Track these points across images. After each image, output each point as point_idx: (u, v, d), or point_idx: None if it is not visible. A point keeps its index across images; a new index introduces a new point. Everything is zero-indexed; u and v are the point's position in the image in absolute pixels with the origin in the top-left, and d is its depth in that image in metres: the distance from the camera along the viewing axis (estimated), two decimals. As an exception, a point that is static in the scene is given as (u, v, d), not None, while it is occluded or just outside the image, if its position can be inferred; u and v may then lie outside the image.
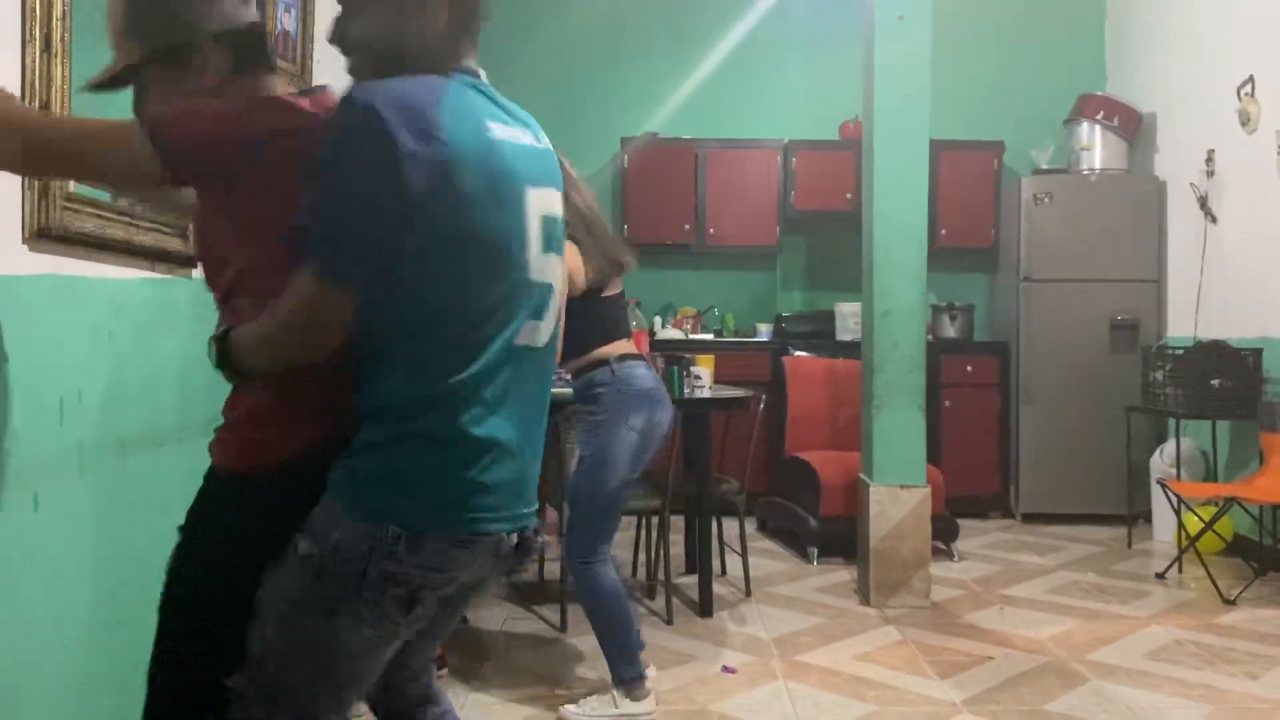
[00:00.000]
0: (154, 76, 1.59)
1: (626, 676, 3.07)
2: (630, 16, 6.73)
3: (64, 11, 2.07)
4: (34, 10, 2.00)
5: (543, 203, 1.56)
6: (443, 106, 1.42)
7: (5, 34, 1.97)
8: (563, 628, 3.86)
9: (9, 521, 1.94)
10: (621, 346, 3.15)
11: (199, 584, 1.51)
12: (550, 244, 1.58)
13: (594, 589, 3.06)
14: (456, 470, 1.44)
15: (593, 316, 3.09)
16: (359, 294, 1.41)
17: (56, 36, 2.05)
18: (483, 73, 1.59)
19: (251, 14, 1.63)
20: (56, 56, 2.05)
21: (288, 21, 3.57)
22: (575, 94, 6.69)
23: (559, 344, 1.71)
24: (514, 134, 1.53)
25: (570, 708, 3.09)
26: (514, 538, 1.53)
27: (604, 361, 3.10)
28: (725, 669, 3.48)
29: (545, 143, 1.63)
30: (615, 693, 3.08)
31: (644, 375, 3.14)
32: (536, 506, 1.58)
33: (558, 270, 1.61)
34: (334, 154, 1.39)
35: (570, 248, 2.97)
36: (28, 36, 2.00)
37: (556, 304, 1.61)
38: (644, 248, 6.32)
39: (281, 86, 1.64)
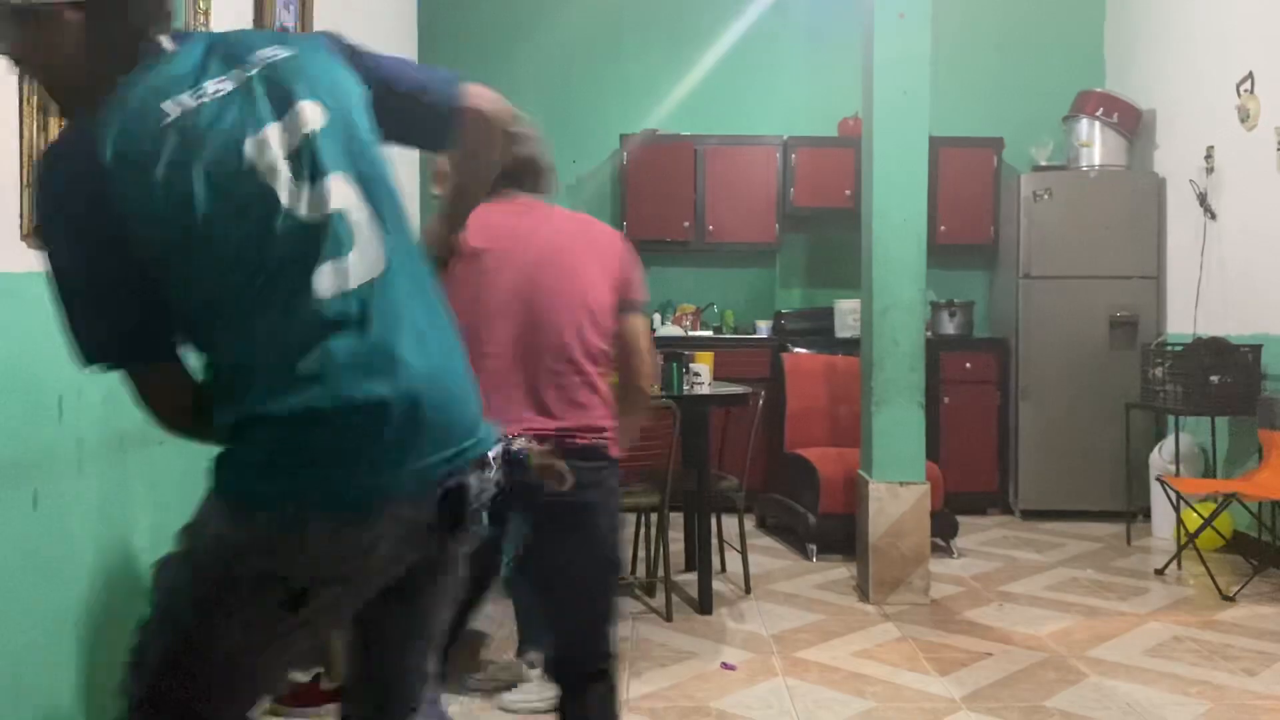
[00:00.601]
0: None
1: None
2: (630, 13, 6.73)
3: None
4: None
5: (283, 134, 1.35)
6: (103, 139, 1.28)
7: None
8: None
9: (8, 518, 1.94)
10: None
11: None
12: (316, 168, 1.35)
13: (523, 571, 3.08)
14: (311, 447, 1.29)
15: None
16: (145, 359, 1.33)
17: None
18: (173, 33, 1.38)
19: None
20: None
21: (286, 18, 3.56)
22: (575, 91, 6.69)
23: (416, 250, 1.48)
24: (206, 91, 1.33)
25: (508, 695, 3.14)
26: (433, 495, 1.34)
27: None
28: (725, 666, 3.48)
29: (274, 55, 1.40)
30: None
31: None
32: (457, 449, 1.37)
33: (342, 190, 1.36)
34: (44, 233, 1.32)
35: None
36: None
37: (364, 228, 1.37)
38: (643, 244, 6.31)
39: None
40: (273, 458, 1.31)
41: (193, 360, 1.37)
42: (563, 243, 2.10)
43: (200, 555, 1.34)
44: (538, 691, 3.09)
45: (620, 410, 2.12)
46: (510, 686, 3.19)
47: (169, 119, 1.30)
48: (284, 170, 1.33)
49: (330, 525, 1.30)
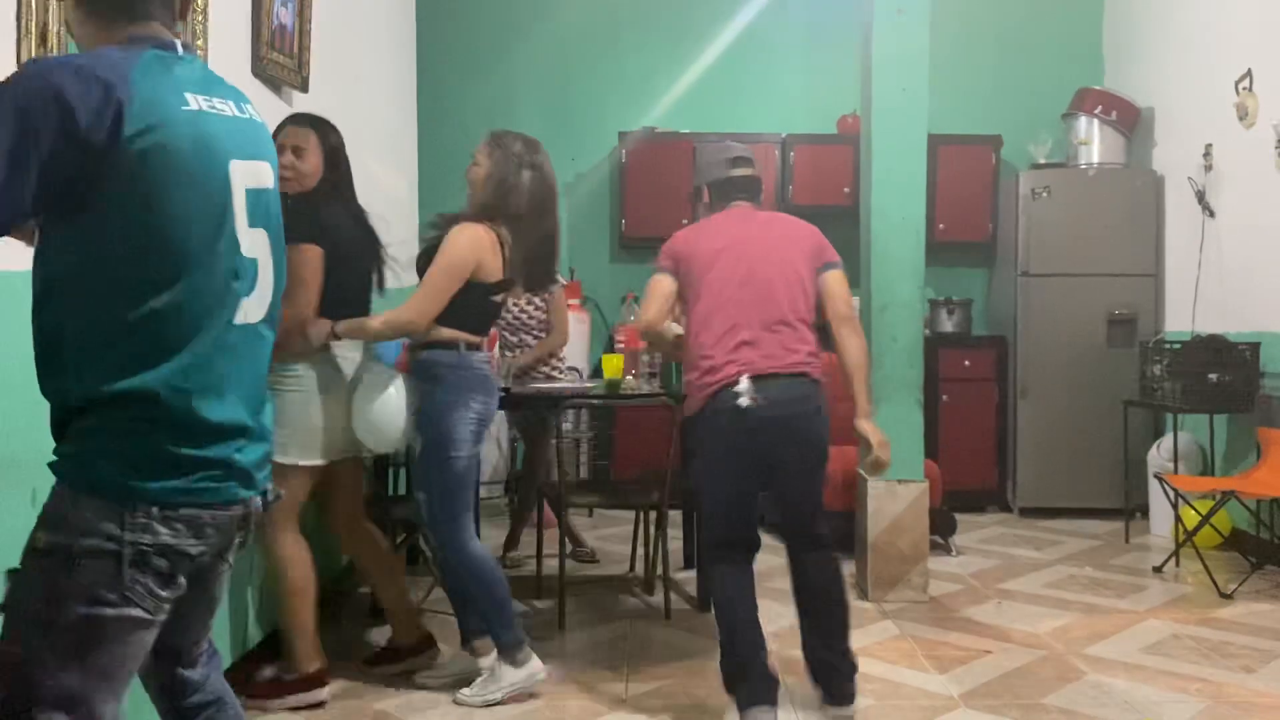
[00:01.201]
0: None
1: (508, 642, 3.12)
2: (628, 10, 6.72)
3: (59, 4, 2.06)
4: (29, 3, 2.00)
5: (249, 174, 1.58)
6: (131, 79, 1.42)
7: (1, 27, 1.96)
8: (561, 625, 3.87)
9: (7, 517, 1.94)
10: (472, 339, 3.18)
11: None
12: (257, 218, 1.60)
13: (462, 558, 3.13)
14: (190, 448, 1.49)
15: (466, 306, 3.13)
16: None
17: (53, 29, 2.05)
18: (181, 43, 1.57)
19: None
20: (52, 50, 2.05)
21: (284, 15, 3.56)
22: (573, 88, 6.68)
23: (276, 320, 1.71)
24: (215, 105, 1.54)
25: (464, 691, 3.16)
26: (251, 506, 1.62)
27: (454, 344, 3.13)
28: None
29: (252, 114, 1.65)
30: (499, 666, 3.14)
31: (484, 363, 3.22)
32: (266, 474, 1.66)
33: (265, 245, 1.63)
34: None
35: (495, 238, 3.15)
36: (24, 30, 1.99)
37: (269, 280, 1.64)
38: (642, 242, 6.32)
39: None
40: (165, 453, 1.48)
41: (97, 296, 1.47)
42: (773, 240, 3.10)
43: (77, 547, 1.46)
44: (494, 683, 3.14)
45: (841, 347, 3.06)
46: (464, 682, 3.21)
47: (189, 108, 1.49)
48: (242, 204, 1.57)
49: (196, 514, 1.52)
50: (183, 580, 1.52)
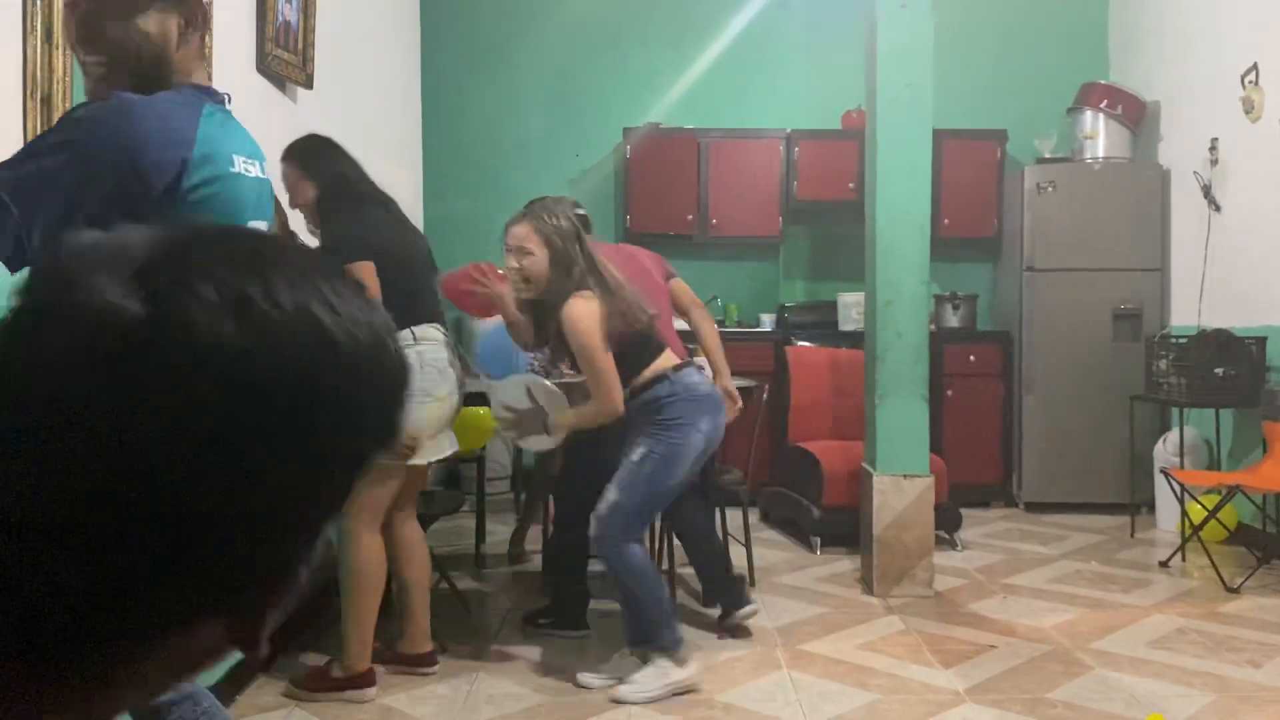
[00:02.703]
0: None
1: (671, 642, 3.15)
2: (631, 6, 6.71)
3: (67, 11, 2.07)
4: (35, 2, 2.00)
5: None
6: (198, 135, 1.54)
7: (7, 25, 1.96)
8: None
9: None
10: (668, 359, 3.23)
11: None
12: None
13: (630, 565, 3.16)
14: None
15: (625, 355, 3.14)
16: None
17: (58, 28, 2.05)
18: (222, 93, 1.69)
19: None
20: (58, 48, 2.05)
21: (288, 13, 3.56)
22: (577, 84, 6.68)
23: None
24: (247, 167, 1.66)
25: (624, 688, 3.15)
26: None
27: (661, 377, 3.17)
28: (721, 635, 3.62)
29: (259, 172, 1.75)
30: (663, 661, 3.15)
31: (702, 381, 3.28)
32: None
33: None
34: (73, 130, 1.47)
35: (595, 303, 3.11)
36: (29, 28, 2.00)
37: None
38: (646, 238, 6.31)
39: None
40: None
41: None
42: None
43: None
44: (659, 680, 3.15)
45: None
46: (622, 680, 3.21)
47: (234, 170, 1.62)
48: None
49: None
50: None
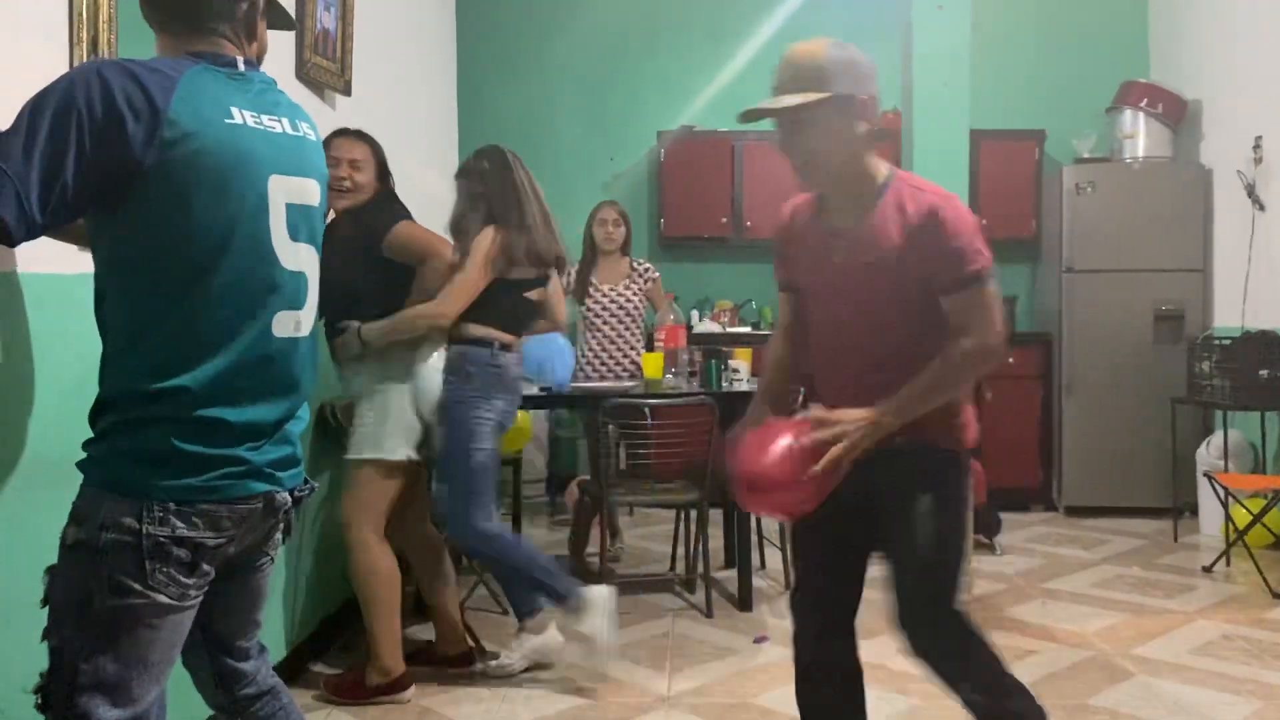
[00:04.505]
0: None
1: (564, 592, 3.20)
2: (667, 9, 6.72)
3: (110, 15, 2.10)
4: (81, 14, 2.04)
5: (293, 190, 1.64)
6: (176, 90, 1.49)
7: (54, 36, 2.00)
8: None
9: (55, 520, 1.97)
10: (505, 338, 3.25)
11: None
12: (299, 232, 1.66)
13: (487, 540, 3.21)
14: (204, 447, 1.54)
15: (491, 296, 3.19)
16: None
17: (104, 39, 2.09)
18: (244, 60, 1.65)
19: None
20: (104, 57, 2.08)
21: (327, 20, 3.60)
22: (611, 88, 6.69)
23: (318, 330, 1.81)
24: (264, 122, 1.61)
25: (492, 663, 3.32)
26: (284, 498, 1.67)
27: (489, 341, 3.20)
28: (758, 639, 3.57)
29: (306, 132, 1.72)
30: (520, 634, 3.31)
31: (515, 363, 3.30)
32: (297, 471, 1.71)
33: (312, 260, 1.70)
34: (46, 100, 1.44)
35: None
36: (75, 38, 2.03)
37: (314, 294, 1.71)
38: (681, 241, 6.32)
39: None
40: (186, 453, 1.53)
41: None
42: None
43: (100, 541, 1.52)
44: (516, 651, 3.30)
45: None
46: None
47: (231, 121, 1.55)
48: (281, 217, 1.62)
49: (214, 508, 1.57)
50: (208, 568, 1.58)
